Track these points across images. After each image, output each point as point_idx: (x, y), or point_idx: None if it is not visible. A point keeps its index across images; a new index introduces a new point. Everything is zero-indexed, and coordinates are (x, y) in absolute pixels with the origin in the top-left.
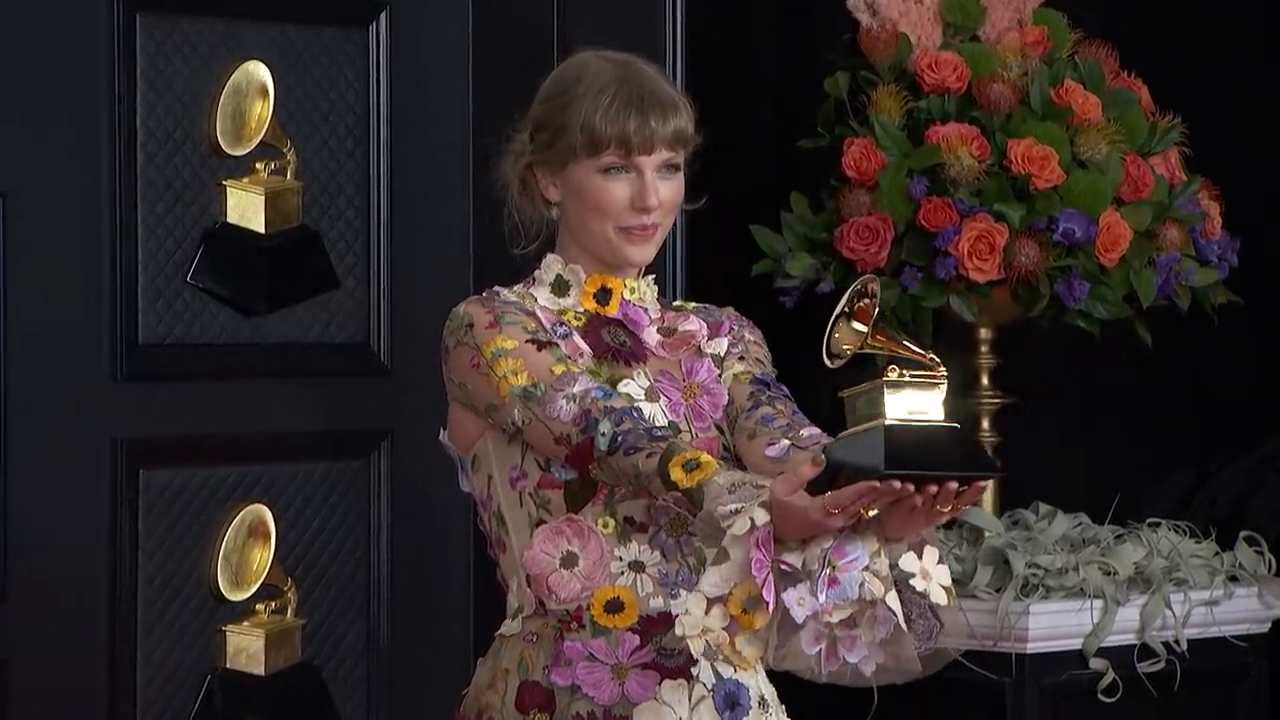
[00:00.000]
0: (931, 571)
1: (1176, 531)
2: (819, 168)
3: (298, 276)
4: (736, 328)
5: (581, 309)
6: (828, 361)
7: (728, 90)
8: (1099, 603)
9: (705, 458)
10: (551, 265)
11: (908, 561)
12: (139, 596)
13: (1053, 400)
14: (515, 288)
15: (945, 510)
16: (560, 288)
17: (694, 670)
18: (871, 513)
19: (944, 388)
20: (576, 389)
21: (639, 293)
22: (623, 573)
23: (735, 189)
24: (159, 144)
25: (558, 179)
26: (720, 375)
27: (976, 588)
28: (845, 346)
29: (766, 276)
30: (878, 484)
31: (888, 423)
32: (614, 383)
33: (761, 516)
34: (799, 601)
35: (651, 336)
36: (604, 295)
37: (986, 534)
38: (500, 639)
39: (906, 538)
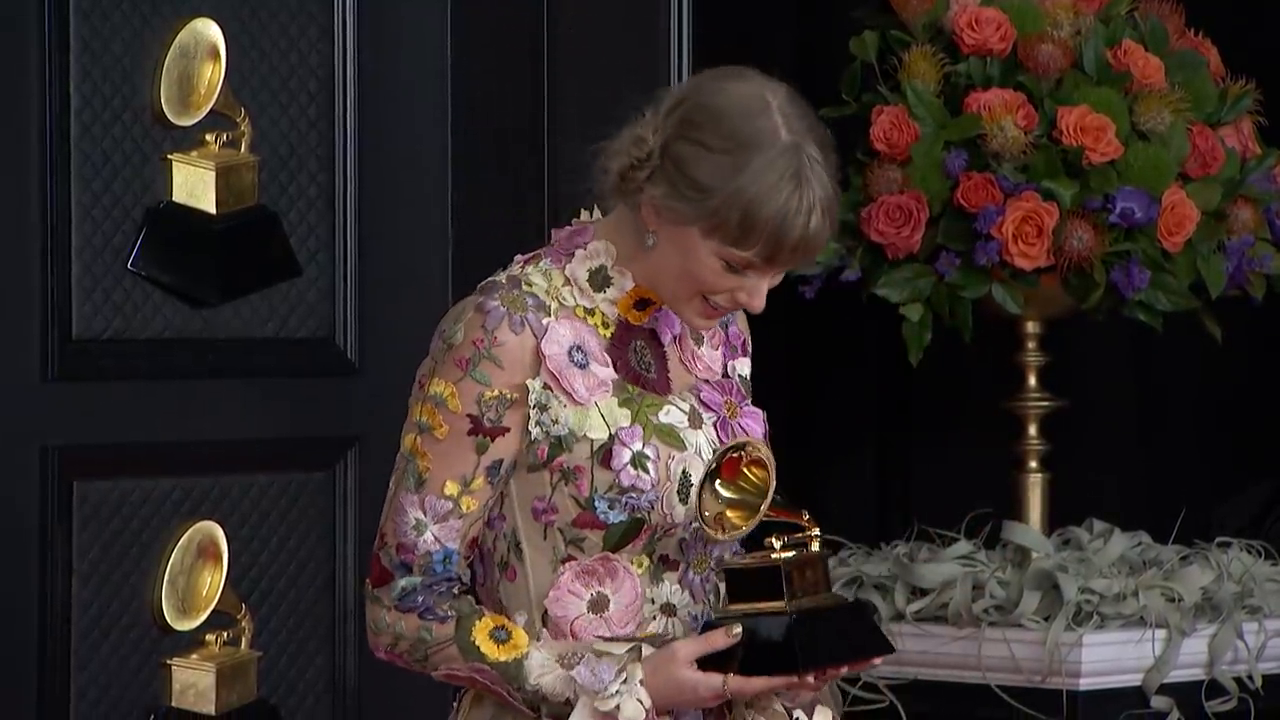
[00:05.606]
0: None
1: (1249, 552)
2: (844, 139)
3: (253, 263)
4: (748, 338)
5: (614, 313)
6: (711, 533)
7: (740, 50)
8: (1161, 633)
9: (512, 626)
10: (600, 254)
11: None
12: (73, 625)
13: (1108, 404)
14: (543, 264)
15: (827, 680)
16: (599, 281)
17: None
18: None
19: (821, 547)
20: (438, 530)
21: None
22: (655, 617)
23: None
24: (95, 113)
25: (669, 219)
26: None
27: (1022, 616)
28: (709, 513)
29: None
30: (795, 678)
31: (793, 616)
32: (652, 411)
33: (648, 701)
34: None
35: (673, 351)
36: (641, 305)
37: (1034, 555)
38: None
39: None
